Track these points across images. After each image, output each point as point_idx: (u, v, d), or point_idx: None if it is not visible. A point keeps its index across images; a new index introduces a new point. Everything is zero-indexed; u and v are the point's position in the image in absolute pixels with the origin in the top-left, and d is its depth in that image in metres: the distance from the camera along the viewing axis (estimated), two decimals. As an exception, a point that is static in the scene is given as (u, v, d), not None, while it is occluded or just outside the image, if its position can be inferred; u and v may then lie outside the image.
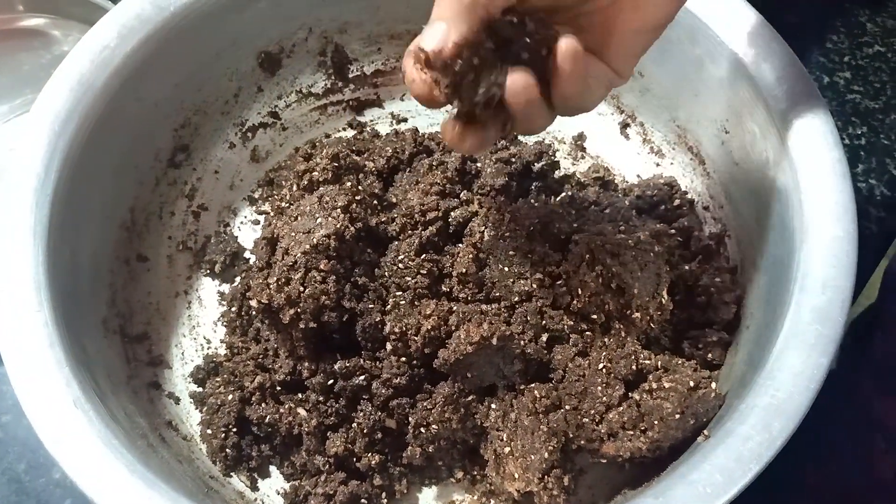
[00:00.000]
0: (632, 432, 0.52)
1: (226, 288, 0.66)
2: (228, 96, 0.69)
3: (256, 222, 0.70)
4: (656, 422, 0.51)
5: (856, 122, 0.77)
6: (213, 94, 0.68)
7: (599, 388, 0.52)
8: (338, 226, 0.55)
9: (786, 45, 0.58)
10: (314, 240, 0.55)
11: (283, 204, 0.61)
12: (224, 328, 0.64)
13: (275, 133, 0.72)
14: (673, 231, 0.63)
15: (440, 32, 0.37)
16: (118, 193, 0.62)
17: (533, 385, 0.54)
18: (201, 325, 0.65)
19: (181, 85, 0.65)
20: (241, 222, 0.70)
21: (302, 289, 0.54)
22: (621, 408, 0.52)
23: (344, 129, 0.73)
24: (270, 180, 0.71)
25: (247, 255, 0.68)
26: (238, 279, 0.66)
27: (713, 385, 0.52)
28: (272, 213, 0.63)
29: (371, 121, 0.74)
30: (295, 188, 0.61)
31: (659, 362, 0.53)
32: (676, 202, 0.66)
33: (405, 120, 0.74)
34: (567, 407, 0.53)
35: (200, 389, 0.61)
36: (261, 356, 0.60)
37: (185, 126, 0.67)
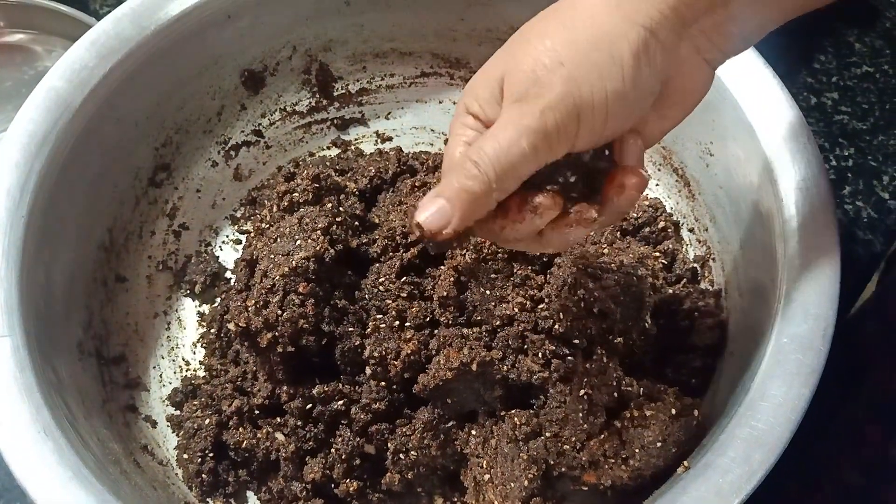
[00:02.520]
0: (613, 460, 0.51)
1: (206, 309, 0.66)
2: (211, 114, 0.69)
3: (238, 242, 0.69)
4: (638, 450, 0.50)
5: (843, 143, 0.77)
6: (195, 113, 0.68)
7: (581, 415, 0.51)
8: (317, 248, 0.55)
9: (769, 69, 0.58)
10: (293, 262, 0.54)
11: (264, 225, 0.61)
12: (203, 350, 0.63)
13: (258, 151, 0.72)
14: (658, 254, 0.63)
15: (443, 216, 0.36)
16: (96, 213, 0.61)
17: (513, 411, 0.53)
18: (180, 347, 0.64)
19: (162, 104, 0.65)
20: (223, 242, 0.69)
21: (280, 312, 0.53)
22: (603, 436, 0.51)
23: (328, 148, 0.73)
24: (253, 199, 0.70)
25: (228, 275, 0.67)
26: (218, 300, 0.65)
27: (696, 413, 0.52)
28: (252, 234, 0.62)
29: (355, 139, 0.73)
30: (275, 209, 0.60)
31: (641, 389, 0.53)
32: (661, 224, 0.65)
33: (390, 139, 0.73)
34: (548, 434, 0.52)
35: (178, 412, 0.60)
36: (239, 379, 0.59)
37: (167, 145, 0.66)
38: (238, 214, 0.70)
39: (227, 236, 0.69)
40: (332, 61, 0.72)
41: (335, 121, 0.73)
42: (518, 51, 0.38)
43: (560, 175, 0.39)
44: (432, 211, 0.37)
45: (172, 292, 0.66)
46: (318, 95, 0.73)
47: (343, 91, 0.73)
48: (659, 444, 0.50)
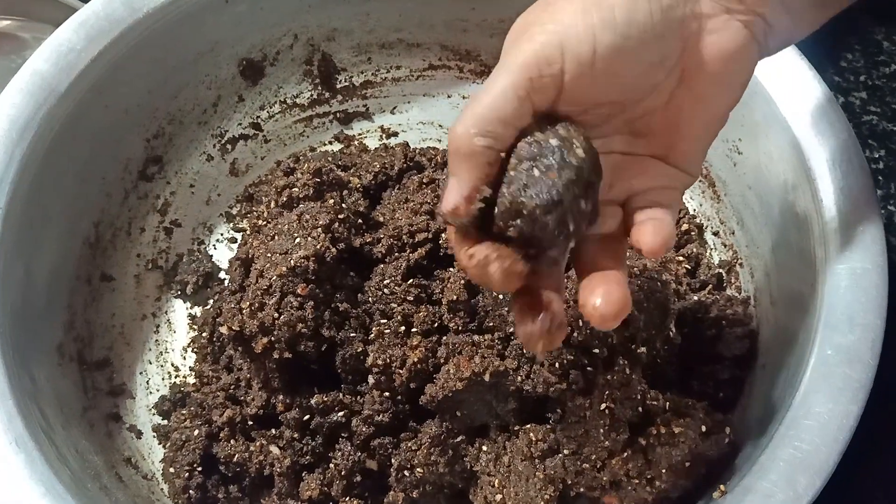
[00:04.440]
0: (637, 481, 0.47)
1: (198, 311, 0.62)
2: (206, 105, 0.66)
3: (234, 240, 0.66)
4: (664, 470, 0.47)
5: (873, 144, 0.73)
6: (189, 103, 0.64)
7: (602, 430, 0.48)
8: (318, 246, 0.52)
9: (805, 60, 0.54)
10: (291, 261, 0.51)
11: (261, 222, 0.57)
12: (194, 355, 0.60)
13: (256, 145, 0.68)
14: (681, 258, 0.60)
15: (450, 188, 0.35)
16: (82, 207, 0.58)
17: (528, 426, 0.50)
18: (169, 352, 0.61)
19: (154, 92, 0.61)
20: (217, 240, 0.66)
21: (276, 315, 0.50)
22: (626, 454, 0.48)
23: (330, 143, 0.70)
24: (250, 195, 0.67)
25: (222, 275, 0.64)
26: (211, 302, 0.62)
27: (727, 430, 0.48)
28: (248, 232, 0.59)
29: (359, 134, 0.70)
30: (273, 205, 0.57)
31: (667, 403, 0.49)
32: (684, 227, 0.62)
33: (395, 134, 0.70)
34: (566, 451, 0.49)
35: (165, 422, 0.57)
36: (232, 387, 0.56)
37: (159, 136, 0.63)
38: (234, 211, 0.66)
39: (222, 234, 0.66)
40: (336, 52, 0.69)
41: (338, 115, 0.70)
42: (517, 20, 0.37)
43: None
44: (443, 195, 0.35)
45: (162, 293, 0.63)
46: (320, 88, 0.69)
47: (346, 83, 0.70)
48: (688, 464, 0.47)
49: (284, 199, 0.56)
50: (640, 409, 0.48)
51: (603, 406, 0.48)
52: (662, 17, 0.35)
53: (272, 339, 0.50)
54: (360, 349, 0.52)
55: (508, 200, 0.34)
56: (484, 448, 0.51)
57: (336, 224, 0.54)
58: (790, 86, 0.53)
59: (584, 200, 0.35)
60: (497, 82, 0.34)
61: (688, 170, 0.40)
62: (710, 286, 0.59)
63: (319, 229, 0.53)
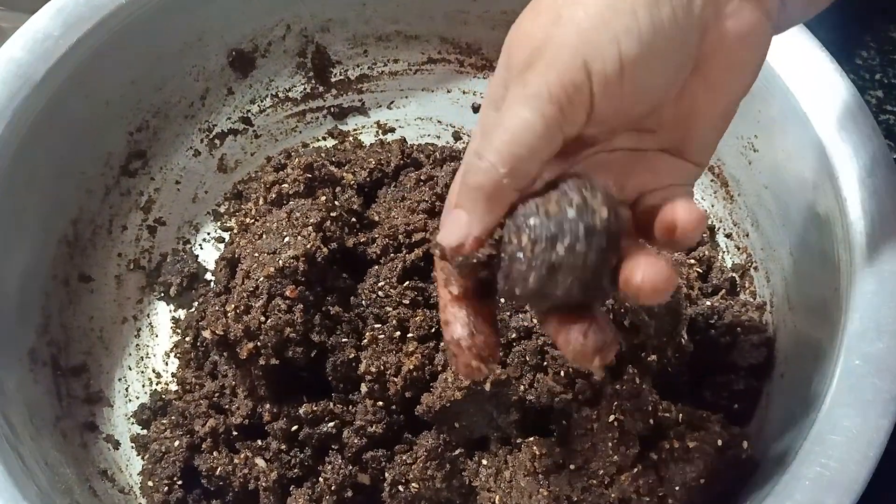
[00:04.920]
0: (648, 499, 0.45)
1: (182, 314, 0.60)
2: (194, 98, 0.63)
3: (221, 240, 0.63)
4: (677, 488, 0.45)
5: (891, 145, 0.70)
6: (175, 95, 0.62)
7: (610, 444, 0.46)
8: (308, 246, 0.50)
9: (824, 51, 0.51)
10: (280, 262, 0.49)
11: (248, 220, 0.54)
12: (177, 360, 0.57)
13: (246, 141, 0.66)
14: (692, 261, 0.58)
15: (459, 225, 0.32)
16: (59, 203, 0.56)
17: (531, 439, 0.48)
18: (151, 357, 0.58)
19: (138, 83, 0.59)
20: (204, 239, 0.63)
21: (263, 319, 0.48)
22: (636, 469, 0.45)
23: (324, 139, 0.67)
24: (239, 193, 0.64)
25: (208, 276, 0.61)
26: (196, 304, 0.59)
27: (745, 445, 0.46)
28: (236, 230, 0.56)
29: (354, 130, 0.68)
30: (262, 202, 0.54)
31: (681, 415, 0.47)
32: None
33: (392, 130, 0.68)
34: (571, 466, 0.46)
35: (144, 432, 0.54)
36: (216, 395, 0.53)
37: (142, 129, 0.61)
38: (221, 210, 0.64)
39: (209, 233, 0.64)
40: (331, 43, 0.66)
41: (332, 109, 0.68)
42: (519, 20, 0.34)
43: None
44: (447, 224, 0.33)
45: (144, 295, 0.60)
46: (313, 81, 0.67)
47: (341, 77, 0.67)
48: (703, 482, 0.44)
49: (273, 195, 0.54)
50: (651, 421, 0.46)
51: (611, 418, 0.46)
52: (684, 12, 0.32)
53: (258, 344, 0.48)
54: (352, 355, 0.50)
55: (517, 268, 0.31)
56: (484, 462, 0.49)
57: (328, 222, 0.52)
58: (810, 78, 0.51)
59: (605, 270, 0.31)
60: (521, 113, 0.31)
61: (698, 160, 0.38)
62: (723, 291, 0.57)
63: (310, 228, 0.51)
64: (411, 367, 0.48)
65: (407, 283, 0.51)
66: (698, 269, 0.57)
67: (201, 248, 0.62)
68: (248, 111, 0.66)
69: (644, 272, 0.31)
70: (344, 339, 0.50)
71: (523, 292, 0.31)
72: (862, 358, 0.42)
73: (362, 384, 0.49)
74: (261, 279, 0.48)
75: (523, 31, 0.33)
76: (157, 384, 0.57)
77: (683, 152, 0.37)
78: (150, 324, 0.59)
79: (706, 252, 0.59)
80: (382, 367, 0.49)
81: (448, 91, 0.68)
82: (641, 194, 0.37)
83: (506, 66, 0.33)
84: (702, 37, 0.33)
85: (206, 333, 0.49)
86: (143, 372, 0.57)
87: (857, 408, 0.40)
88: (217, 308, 0.50)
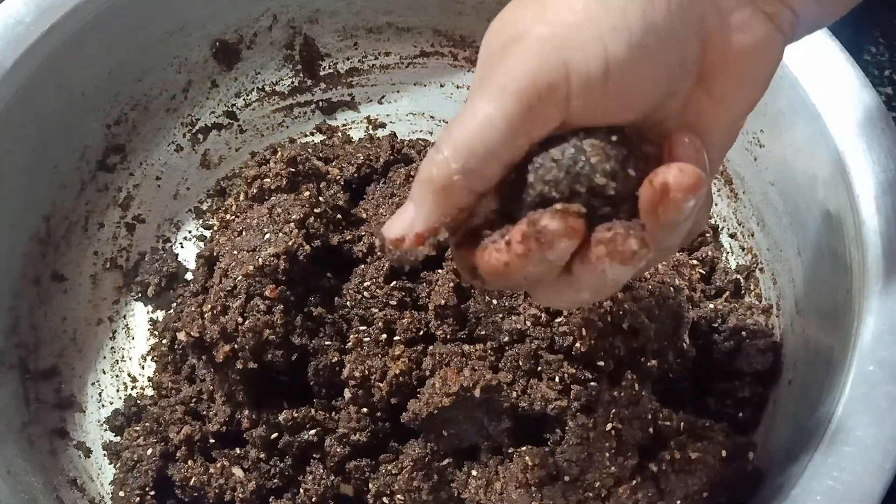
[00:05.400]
0: None
1: (160, 315, 0.58)
2: (176, 90, 0.61)
3: (203, 238, 0.62)
4: (678, 501, 0.43)
5: (901, 142, 0.68)
6: (156, 87, 0.60)
7: (607, 454, 0.44)
8: (290, 243, 0.48)
9: (835, 41, 0.49)
10: (260, 260, 0.47)
11: (228, 216, 0.52)
12: (154, 364, 0.56)
13: (230, 136, 0.64)
14: (694, 262, 0.56)
15: (403, 218, 0.30)
16: (30, 198, 0.54)
17: (524, 448, 0.46)
18: (126, 360, 0.56)
19: (116, 73, 0.57)
20: (185, 238, 0.62)
21: (241, 320, 0.47)
22: (634, 481, 0.43)
23: (312, 134, 0.66)
24: (222, 190, 0.63)
25: (188, 276, 0.59)
26: (175, 305, 0.57)
27: (751, 456, 0.44)
28: (217, 228, 0.54)
29: (343, 125, 0.66)
30: (243, 197, 0.52)
31: (682, 424, 0.45)
32: None
33: (383, 125, 0.66)
34: (566, 478, 0.44)
35: (118, 439, 0.52)
36: (193, 400, 0.51)
37: (121, 122, 0.59)
38: (204, 207, 0.63)
39: (190, 232, 0.62)
40: (319, 35, 0.64)
41: (321, 104, 0.66)
42: (505, 8, 0.31)
43: (582, 182, 0.29)
44: (395, 214, 0.30)
45: (121, 295, 0.58)
46: (301, 74, 0.65)
47: (331, 70, 0.66)
48: (705, 495, 0.42)
49: (255, 190, 0.52)
50: (650, 430, 0.45)
51: (609, 427, 0.45)
52: (681, 16, 0.30)
53: (235, 346, 0.46)
54: (335, 359, 0.48)
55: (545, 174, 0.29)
56: (473, 473, 0.47)
57: (311, 219, 0.50)
58: (820, 69, 0.49)
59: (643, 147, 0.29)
60: (485, 107, 0.28)
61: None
62: (728, 293, 0.55)
63: (292, 224, 0.48)
64: (397, 371, 0.46)
65: (394, 283, 0.50)
66: (701, 271, 0.55)
67: (182, 247, 0.60)
68: (233, 105, 0.64)
69: (672, 167, 0.28)
70: (327, 342, 0.48)
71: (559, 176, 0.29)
72: (876, 363, 0.40)
73: (346, 389, 0.47)
74: (239, 278, 0.46)
75: (504, 20, 0.31)
76: (132, 389, 0.55)
77: None
78: (126, 325, 0.57)
79: (709, 252, 0.57)
80: (367, 372, 0.47)
81: (441, 85, 0.66)
82: None
83: (482, 55, 0.31)
84: (704, 47, 0.31)
85: (181, 335, 0.47)
86: (117, 376, 0.55)
87: (872, 416, 0.38)
88: (193, 308, 0.48)
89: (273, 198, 0.50)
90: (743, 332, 0.51)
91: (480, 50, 0.31)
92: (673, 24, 0.29)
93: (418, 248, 0.29)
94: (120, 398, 0.54)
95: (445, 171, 0.28)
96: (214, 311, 0.46)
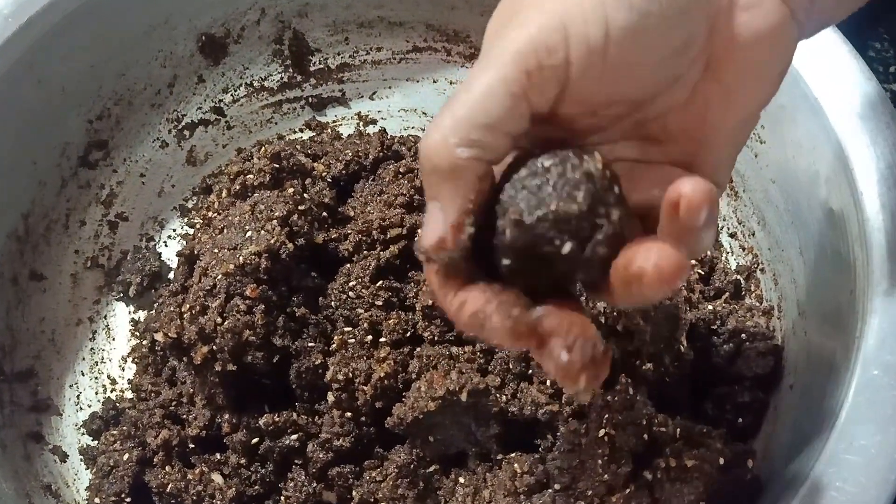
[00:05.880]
0: None
1: (142, 315, 0.57)
2: (161, 85, 0.60)
3: (188, 237, 0.59)
4: None
5: (907, 140, 0.66)
6: (140, 82, 0.59)
7: (600, 462, 0.43)
8: (272, 241, 0.47)
9: (838, 33, 0.48)
10: (240, 258, 0.46)
11: (211, 213, 0.51)
12: (135, 366, 0.54)
13: (217, 132, 0.63)
14: (693, 262, 0.54)
15: (433, 217, 0.28)
16: (9, 195, 0.53)
17: (513, 455, 0.45)
18: (106, 361, 0.55)
19: (98, 67, 0.56)
20: (169, 237, 0.60)
21: (220, 320, 0.45)
22: (628, 490, 0.42)
23: (301, 130, 0.64)
24: (208, 187, 0.61)
25: (172, 275, 0.57)
26: (156, 305, 0.55)
27: (750, 464, 0.43)
28: (199, 226, 0.52)
29: (333, 121, 0.64)
30: (225, 193, 0.51)
31: (678, 430, 0.43)
32: None
33: (374, 122, 0.64)
34: (557, 486, 0.43)
35: (95, 443, 0.51)
36: (173, 403, 0.50)
37: (103, 118, 0.58)
38: (189, 205, 0.61)
39: (174, 230, 0.61)
40: (309, 30, 0.63)
41: (310, 100, 0.64)
42: None
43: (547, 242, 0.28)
44: (424, 222, 0.29)
45: (102, 295, 0.57)
46: (291, 70, 0.64)
47: (321, 66, 0.64)
48: None
49: (238, 187, 0.50)
50: (645, 436, 0.43)
51: (602, 433, 0.43)
52: None
53: (213, 348, 0.45)
54: (318, 361, 0.47)
55: (511, 219, 0.27)
56: (461, 480, 0.46)
57: (295, 216, 0.49)
58: (822, 63, 0.47)
59: (611, 209, 0.28)
60: (483, 77, 0.27)
61: (715, 179, 0.33)
62: (727, 294, 0.53)
63: (275, 222, 0.47)
64: (382, 374, 0.45)
65: (380, 282, 0.48)
66: (700, 271, 0.54)
67: (166, 246, 0.59)
68: (221, 101, 0.62)
69: (649, 254, 0.27)
70: (310, 344, 0.46)
71: (508, 232, 0.27)
72: (881, 368, 0.38)
73: (329, 393, 0.46)
74: (219, 277, 0.45)
75: (507, 1, 0.30)
76: (111, 391, 0.54)
77: (697, 168, 0.33)
78: (106, 326, 0.56)
79: (709, 252, 0.55)
80: (351, 374, 0.45)
81: (434, 81, 0.64)
82: (653, 207, 0.32)
83: (485, 37, 0.30)
84: (712, 29, 0.30)
85: (159, 336, 0.45)
86: (96, 378, 0.54)
87: (877, 424, 0.36)
88: (172, 309, 0.47)
89: (256, 194, 0.49)
90: (743, 335, 0.50)
91: (485, 33, 0.30)
92: None
93: (461, 237, 0.28)
94: (98, 401, 0.53)
95: (447, 150, 0.27)
96: (193, 312, 0.45)
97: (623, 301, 0.29)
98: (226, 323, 0.44)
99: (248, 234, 0.46)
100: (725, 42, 0.30)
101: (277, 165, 0.50)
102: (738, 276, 0.54)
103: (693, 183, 0.27)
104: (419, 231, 0.29)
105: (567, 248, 0.27)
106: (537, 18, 0.28)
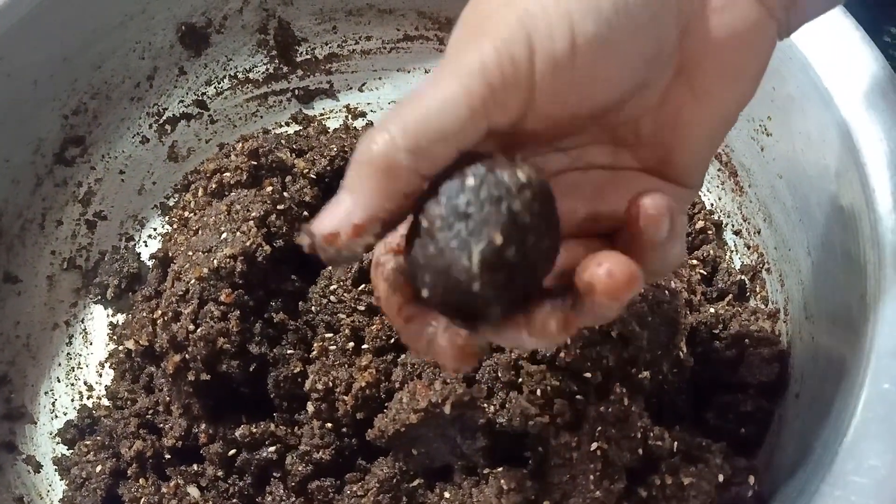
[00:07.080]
0: None
1: (121, 319, 0.55)
2: (140, 78, 0.58)
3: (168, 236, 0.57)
4: None
5: (923, 130, 0.63)
6: (118, 74, 0.57)
7: (592, 477, 0.41)
8: (247, 243, 0.45)
9: (850, 18, 0.45)
10: (215, 261, 0.45)
11: (186, 213, 0.49)
12: (112, 371, 0.52)
13: (200, 126, 0.61)
14: (695, 262, 0.52)
15: (337, 209, 0.26)
16: None
17: (500, 469, 0.43)
18: (83, 367, 0.54)
19: (72, 60, 0.54)
20: (150, 236, 0.59)
21: (192, 327, 0.43)
22: None
23: (287, 124, 0.63)
24: (190, 184, 0.58)
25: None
26: (133, 309, 0.53)
27: (752, 480, 0.40)
28: (175, 226, 0.50)
29: (321, 114, 0.63)
30: (201, 192, 0.49)
31: (675, 444, 0.42)
32: (699, 224, 0.54)
33: (363, 115, 0.63)
34: (546, 502, 0.41)
35: (70, 453, 0.49)
36: (150, 412, 0.48)
37: (79, 112, 0.56)
38: (171, 203, 0.60)
39: (155, 229, 0.59)
40: (295, 18, 0.61)
41: (297, 92, 0.63)
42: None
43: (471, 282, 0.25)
44: (325, 208, 0.26)
45: (79, 297, 0.56)
46: (276, 60, 0.62)
47: (308, 56, 0.63)
48: None
49: (214, 185, 0.48)
50: (640, 450, 0.41)
51: (594, 446, 0.41)
52: None
53: (186, 356, 0.43)
54: (297, 369, 0.45)
55: (425, 255, 0.25)
56: (446, 495, 0.44)
57: (273, 216, 0.47)
58: (833, 50, 0.45)
59: (537, 246, 0.25)
60: (444, 85, 0.26)
61: (689, 182, 0.32)
62: (731, 296, 0.51)
63: (251, 222, 0.46)
64: (364, 383, 0.43)
65: (363, 286, 0.47)
66: (702, 271, 0.52)
67: (146, 246, 0.58)
68: (204, 94, 0.61)
69: (602, 262, 0.25)
70: (289, 351, 0.45)
71: (422, 270, 0.25)
72: (892, 380, 0.35)
73: (308, 403, 0.44)
74: (192, 282, 0.43)
75: (475, 3, 0.28)
76: (88, 398, 0.52)
77: (668, 172, 0.32)
78: (84, 330, 0.54)
79: (711, 251, 0.53)
80: (332, 384, 0.44)
81: (426, 72, 0.63)
82: (620, 221, 0.30)
83: (450, 41, 0.28)
84: (684, 32, 0.29)
85: (130, 344, 0.43)
86: (72, 384, 0.52)
87: (887, 443, 0.34)
88: (145, 315, 0.45)
89: (233, 193, 0.47)
90: (746, 340, 0.48)
91: (450, 39, 0.28)
92: (648, 4, 0.27)
93: (357, 241, 0.25)
94: (74, 409, 0.51)
95: (390, 149, 0.25)
96: (165, 318, 0.43)
97: (585, 319, 0.27)
98: (199, 330, 0.42)
99: (224, 235, 0.44)
100: (699, 44, 0.29)
101: (256, 163, 0.48)
102: (743, 277, 0.52)
103: (653, 197, 0.26)
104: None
105: (476, 286, 0.24)
106: (501, 30, 0.26)
